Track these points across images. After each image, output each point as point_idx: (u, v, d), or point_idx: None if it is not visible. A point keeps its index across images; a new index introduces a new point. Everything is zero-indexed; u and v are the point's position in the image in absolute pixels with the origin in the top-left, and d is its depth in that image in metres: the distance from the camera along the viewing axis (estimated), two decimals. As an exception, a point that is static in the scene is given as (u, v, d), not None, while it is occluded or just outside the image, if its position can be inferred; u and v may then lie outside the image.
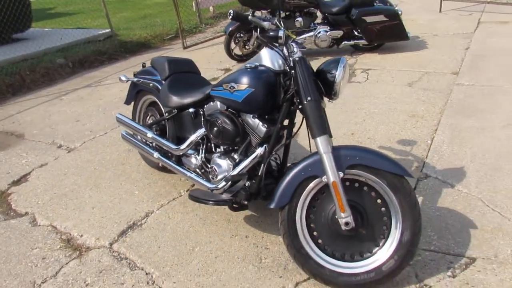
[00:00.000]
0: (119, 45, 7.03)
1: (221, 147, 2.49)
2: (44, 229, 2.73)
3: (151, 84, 2.96)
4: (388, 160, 1.98)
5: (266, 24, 2.05)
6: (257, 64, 2.24)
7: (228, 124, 2.30)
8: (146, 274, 2.27)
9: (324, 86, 2.14)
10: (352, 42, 5.54)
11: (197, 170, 2.64)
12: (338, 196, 1.93)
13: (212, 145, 2.59)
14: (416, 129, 3.53)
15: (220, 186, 2.37)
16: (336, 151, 2.00)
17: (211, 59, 6.19)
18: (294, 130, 2.39)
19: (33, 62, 6.22)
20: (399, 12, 5.26)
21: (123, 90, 4.59)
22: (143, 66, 3.20)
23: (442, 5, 7.50)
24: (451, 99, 4.01)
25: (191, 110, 2.63)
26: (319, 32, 5.40)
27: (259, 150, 2.29)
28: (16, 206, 3.02)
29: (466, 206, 2.56)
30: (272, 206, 2.07)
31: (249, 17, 2.05)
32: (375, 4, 5.30)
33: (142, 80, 3.07)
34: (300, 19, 5.41)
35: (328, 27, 5.42)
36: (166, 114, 2.82)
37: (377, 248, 2.03)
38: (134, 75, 3.17)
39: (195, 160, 2.64)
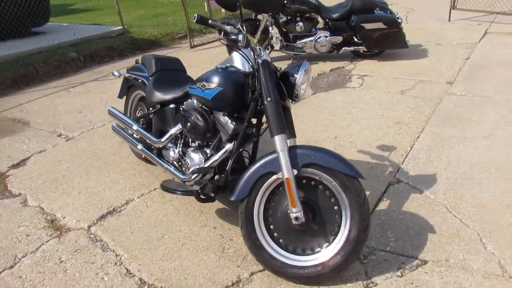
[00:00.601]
0: (130, 42, 7.27)
1: (196, 142, 2.64)
2: (33, 210, 2.93)
3: (140, 80, 3.14)
4: (342, 161, 2.09)
5: (228, 28, 2.19)
6: (228, 65, 2.39)
7: (199, 120, 2.45)
8: (116, 255, 2.44)
9: (287, 88, 2.26)
10: (352, 48, 5.62)
11: (175, 162, 2.80)
12: (290, 192, 2.06)
13: (189, 139, 2.75)
14: (399, 136, 3.61)
15: (191, 178, 2.53)
16: (293, 150, 2.12)
17: (215, 59, 6.36)
18: (263, 128, 2.51)
19: (47, 55, 6.51)
20: (399, 20, 5.32)
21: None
22: (136, 63, 3.38)
23: (451, 14, 7.48)
24: (440, 108, 4.07)
25: (172, 106, 2.79)
26: (319, 37, 5.51)
27: (228, 146, 2.43)
28: (11, 187, 3.24)
29: (430, 211, 2.64)
30: (232, 198, 2.21)
31: (209, 21, 2.19)
32: (375, 11, 5.36)
33: (133, 76, 3.25)
34: (300, 23, 5.52)
35: (328, 33, 5.52)
36: (151, 109, 2.99)
37: (327, 243, 2.15)
38: (127, 70, 3.35)
39: (173, 153, 2.79)
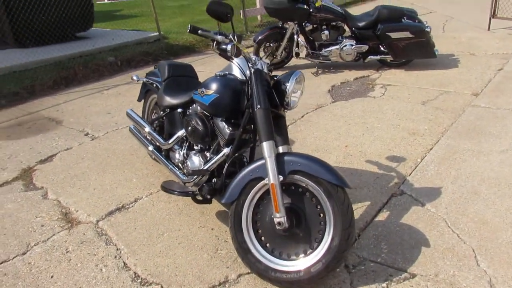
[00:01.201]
0: (165, 48, 7.57)
1: (198, 145, 2.75)
2: (51, 202, 3.16)
3: (154, 85, 3.31)
4: (328, 169, 2.12)
5: (219, 37, 2.28)
6: (226, 72, 2.49)
7: (199, 125, 2.57)
8: (117, 249, 2.59)
9: (279, 96, 2.33)
10: (378, 57, 5.57)
11: (179, 164, 2.92)
12: (274, 197, 2.12)
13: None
14: (411, 147, 3.55)
15: (191, 179, 2.65)
16: (281, 156, 2.18)
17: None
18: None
19: (87, 59, 6.92)
20: (427, 30, 5.21)
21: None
22: (154, 68, 3.55)
23: (491, 23, 7.20)
24: (460, 120, 3.96)
25: (179, 110, 2.93)
26: (344, 46, 5.50)
27: (225, 150, 2.52)
28: (36, 181, 3.51)
29: (428, 225, 2.60)
30: (223, 201, 2.30)
31: (199, 31, 2.29)
32: (403, 20, 5.28)
33: (150, 81, 3.42)
34: (326, 32, 5.54)
35: (354, 41, 5.50)
36: (161, 112, 3.15)
37: (311, 250, 2.18)
38: (145, 75, 3.54)
39: (178, 155, 2.92)
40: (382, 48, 5.50)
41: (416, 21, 5.33)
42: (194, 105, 2.78)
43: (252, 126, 2.55)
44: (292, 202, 2.23)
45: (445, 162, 3.28)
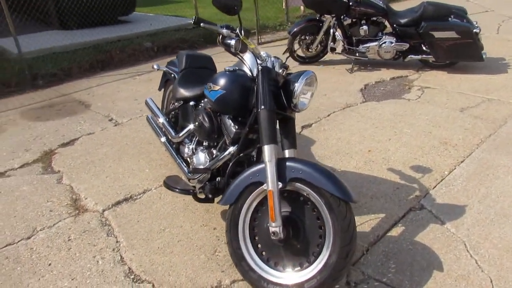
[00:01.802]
0: (203, 35, 7.52)
1: (205, 141, 2.66)
2: (64, 187, 3.20)
3: (172, 75, 3.25)
4: (332, 180, 1.96)
5: (224, 31, 2.14)
6: (236, 68, 2.36)
7: (205, 121, 2.47)
8: (116, 242, 2.57)
9: (286, 97, 2.18)
10: (419, 57, 5.21)
11: (188, 159, 2.85)
12: (271, 205, 1.99)
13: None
14: (440, 158, 3.28)
15: (195, 176, 2.56)
16: (283, 162, 2.05)
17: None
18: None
19: (125, 43, 7.00)
20: (476, 31, 4.80)
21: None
22: (176, 57, 3.49)
23: (553, 25, 6.59)
24: (499, 132, 3.62)
25: (191, 103, 2.84)
26: (383, 43, 5.20)
27: (231, 149, 2.41)
28: (54, 164, 3.56)
29: (445, 246, 2.38)
30: (220, 203, 2.20)
31: (201, 24, 2.17)
32: (449, 19, 4.90)
33: (169, 70, 3.36)
34: (365, 27, 5.25)
35: (394, 39, 5.18)
36: (176, 104, 3.07)
37: (308, 264, 2.04)
38: (166, 64, 3.48)
39: (187, 149, 2.84)
40: (424, 48, 5.14)
41: (464, 20, 4.92)
42: (206, 99, 2.69)
43: (259, 126, 2.42)
44: (292, 211, 2.09)
45: (475, 177, 3.00)
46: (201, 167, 2.56)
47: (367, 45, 5.32)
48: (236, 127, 2.34)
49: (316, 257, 2.02)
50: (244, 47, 2.13)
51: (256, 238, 2.18)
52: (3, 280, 2.31)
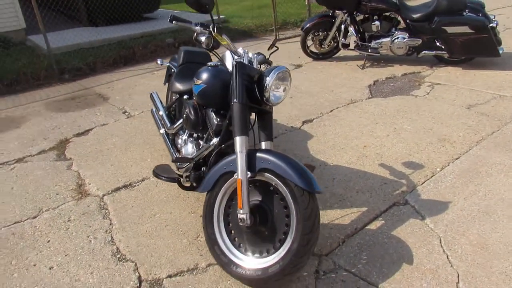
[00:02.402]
0: (223, 32, 7.66)
1: (194, 133, 2.80)
2: (72, 174, 3.44)
3: (173, 70, 3.41)
4: (298, 171, 2.05)
5: (197, 28, 2.26)
6: (218, 63, 2.48)
7: (191, 113, 2.61)
8: (110, 224, 2.76)
9: (259, 91, 2.27)
10: (433, 53, 5.13)
11: (182, 150, 3.00)
12: (239, 193, 2.10)
13: None
14: (435, 154, 3.27)
15: (183, 165, 2.71)
16: (253, 153, 2.16)
17: (293, 54, 6.38)
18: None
19: (148, 39, 7.28)
20: (493, 25, 4.67)
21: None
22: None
23: None
24: (504, 130, 3.54)
25: (185, 96, 2.99)
26: (396, 38, 5.15)
27: (214, 140, 2.54)
28: (67, 152, 3.83)
29: (420, 241, 2.41)
30: (199, 190, 2.33)
31: (173, 22, 2.29)
32: (464, 13, 4.78)
33: (171, 65, 3.53)
34: (377, 23, 5.22)
35: (407, 34, 5.12)
36: (173, 97, 3.24)
37: (274, 251, 2.14)
38: (170, 60, 3.65)
39: (180, 140, 3.00)
40: (438, 43, 5.05)
41: (480, 14, 4.80)
42: (196, 93, 2.82)
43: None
44: (262, 200, 2.20)
45: (466, 174, 2.98)
46: (189, 157, 2.70)
47: (380, 40, 5.29)
48: (218, 119, 2.47)
49: (281, 244, 2.11)
50: (217, 44, 2.24)
51: (230, 224, 2.31)
52: (7, 253, 2.56)
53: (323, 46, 5.75)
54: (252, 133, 2.54)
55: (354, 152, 3.41)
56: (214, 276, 2.28)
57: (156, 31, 7.60)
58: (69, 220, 2.84)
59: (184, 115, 2.68)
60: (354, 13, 5.36)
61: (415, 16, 5.05)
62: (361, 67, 5.46)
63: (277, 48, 2.80)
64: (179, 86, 3.03)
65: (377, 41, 5.31)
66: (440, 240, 2.40)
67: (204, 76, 2.44)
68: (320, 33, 5.65)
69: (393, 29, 5.29)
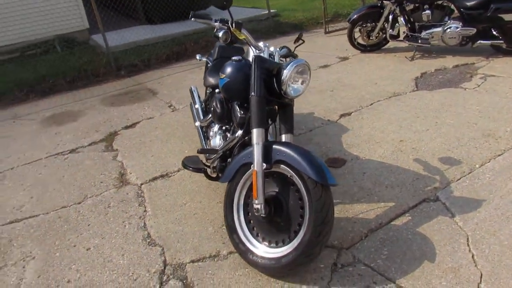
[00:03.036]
0: (273, 26, 7.73)
1: (223, 126, 2.89)
2: (116, 164, 3.69)
3: (209, 65, 3.53)
4: (312, 164, 2.07)
5: (216, 24, 2.33)
6: (241, 58, 2.54)
7: (217, 106, 2.70)
8: (144, 211, 2.95)
9: (277, 84, 2.30)
10: (489, 42, 4.80)
11: (211, 141, 3.11)
12: (254, 183, 2.16)
13: None
14: (476, 150, 3.09)
15: (211, 156, 2.82)
16: (269, 145, 2.20)
17: (341, 46, 6.27)
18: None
19: (200, 35, 7.52)
20: (556, 11, 4.28)
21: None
22: (217, 49, 3.76)
23: None
24: (558, 125, 3.26)
25: (216, 90, 3.09)
26: (448, 28, 4.88)
27: (239, 133, 2.61)
28: (114, 143, 4.11)
29: (446, 238, 2.32)
30: (220, 180, 2.43)
31: (192, 18, 2.36)
32: (525, -1, 4.43)
33: (208, 60, 3.65)
34: (428, 12, 4.98)
35: (460, 23, 4.83)
36: (207, 91, 3.35)
37: (288, 241, 2.18)
38: (207, 55, 3.77)
39: (212, 133, 3.11)
40: (494, 32, 4.72)
41: (543, -1, 4.42)
42: (225, 87, 2.91)
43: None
44: (278, 191, 2.24)
45: (507, 172, 2.79)
46: (215, 148, 2.80)
47: (431, 30, 5.05)
48: (241, 112, 2.53)
49: (296, 235, 2.15)
50: (235, 38, 2.30)
51: (249, 214, 2.37)
52: (53, 234, 2.82)
53: (371, 38, 5.60)
54: (274, 125, 2.58)
55: (389, 146, 3.32)
56: (233, 263, 2.36)
57: (207, 27, 7.80)
58: (109, 206, 3.06)
59: (212, 108, 2.78)
60: (404, 2, 5.15)
61: (469, 3, 4.75)
62: (410, 58, 5.24)
63: (303, 41, 2.80)
64: (211, 80, 3.13)
65: (428, 31, 5.07)
66: (468, 238, 2.29)
67: (228, 70, 2.51)
68: (368, 24, 5.51)
69: (446, 18, 5.01)
